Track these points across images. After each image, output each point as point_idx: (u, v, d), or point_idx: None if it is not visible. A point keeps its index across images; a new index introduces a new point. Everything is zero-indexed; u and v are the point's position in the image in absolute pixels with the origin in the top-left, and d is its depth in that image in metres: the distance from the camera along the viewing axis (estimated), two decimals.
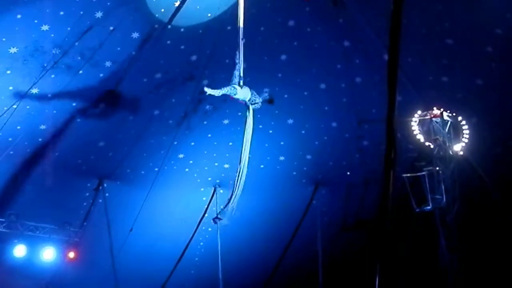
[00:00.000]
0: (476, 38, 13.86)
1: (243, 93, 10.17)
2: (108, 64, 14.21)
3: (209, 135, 16.32)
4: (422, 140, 14.88)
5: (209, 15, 14.17)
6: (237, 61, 10.11)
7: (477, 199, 14.90)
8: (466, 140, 14.86)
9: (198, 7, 13.90)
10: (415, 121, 14.90)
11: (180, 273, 17.34)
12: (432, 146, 14.80)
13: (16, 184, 15.18)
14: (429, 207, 14.28)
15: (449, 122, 14.78)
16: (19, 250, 15.56)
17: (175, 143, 16.18)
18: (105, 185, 16.58)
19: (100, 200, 16.61)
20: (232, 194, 10.19)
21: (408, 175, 14.47)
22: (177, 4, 13.72)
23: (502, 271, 14.73)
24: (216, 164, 16.68)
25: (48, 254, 16.02)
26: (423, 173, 14.51)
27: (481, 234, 14.99)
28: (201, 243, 17.60)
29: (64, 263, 16.27)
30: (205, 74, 15.16)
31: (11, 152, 14.65)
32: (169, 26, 13.99)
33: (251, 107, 10.26)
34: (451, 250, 14.06)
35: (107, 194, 16.61)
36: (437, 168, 14.54)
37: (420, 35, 14.00)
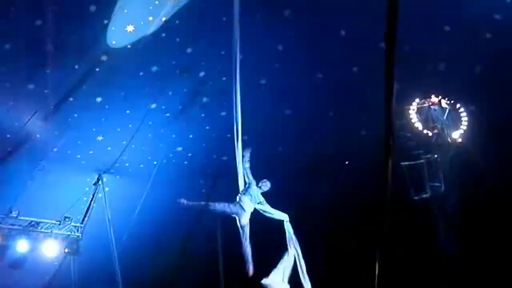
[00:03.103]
0: (474, 24, 13.81)
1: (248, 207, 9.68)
2: (103, 58, 14.17)
3: (207, 128, 16.29)
4: (420, 128, 14.86)
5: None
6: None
7: (476, 186, 14.90)
8: (465, 128, 14.84)
9: None
10: (413, 109, 14.88)
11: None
12: (430, 134, 14.79)
13: (16, 180, 15.18)
14: (427, 195, 14.30)
15: (447, 110, 14.76)
16: (22, 246, 15.58)
17: (173, 136, 16.17)
18: (104, 179, 16.58)
19: (100, 195, 16.61)
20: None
21: (406, 163, 14.47)
22: None
23: (501, 258, 14.75)
24: (215, 156, 16.66)
25: (51, 249, 16.04)
26: (422, 161, 14.52)
27: (480, 221, 14.99)
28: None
29: (66, 258, 16.29)
30: (202, 66, 15.12)
31: (9, 149, 14.64)
32: (164, 19, 13.94)
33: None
34: (449, 238, 14.07)
35: (107, 188, 16.60)
36: (436, 156, 14.54)
37: (418, 22, 13.94)
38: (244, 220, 9.51)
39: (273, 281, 9.27)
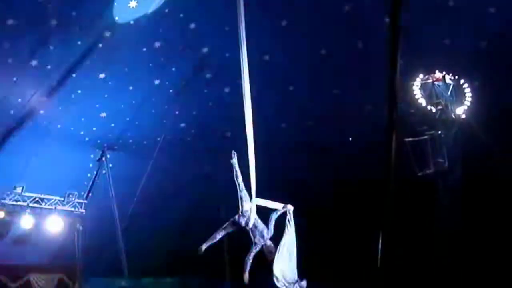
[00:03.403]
0: None
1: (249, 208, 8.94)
2: (106, 34, 14.11)
3: (210, 104, 16.28)
4: (424, 104, 14.81)
5: None
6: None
7: (479, 162, 14.91)
8: (469, 103, 14.80)
9: None
10: (417, 85, 14.81)
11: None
12: (434, 110, 14.75)
13: (20, 156, 15.22)
14: (431, 171, 14.31)
15: (451, 85, 14.71)
16: (26, 222, 15.66)
17: (176, 112, 16.16)
18: (108, 155, 16.61)
19: (104, 171, 16.66)
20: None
21: (410, 139, 14.46)
22: None
23: (503, 233, 14.82)
24: (218, 133, 16.67)
25: (55, 225, 16.12)
26: (425, 137, 14.51)
27: (483, 197, 15.03)
28: None
29: (70, 234, 16.39)
30: (205, 42, 15.05)
31: (13, 125, 14.67)
32: None
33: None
34: (452, 214, 14.12)
35: (110, 165, 16.64)
36: (439, 132, 14.53)
37: None
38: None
39: (280, 268, 9.00)
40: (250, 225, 9.01)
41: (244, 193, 9.00)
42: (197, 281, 19.27)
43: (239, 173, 9.04)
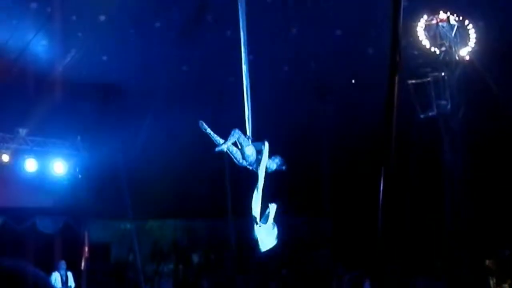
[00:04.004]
0: None
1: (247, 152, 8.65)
2: None
3: (212, 47, 16.13)
4: (427, 45, 14.67)
5: None
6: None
7: (483, 104, 14.88)
8: (473, 45, 14.66)
9: None
10: (421, 26, 14.64)
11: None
12: (438, 52, 14.63)
13: (22, 101, 15.21)
14: (434, 113, 14.31)
15: (455, 27, 14.53)
16: (30, 165, 15.74)
17: (178, 55, 16.04)
18: (110, 99, 16.59)
19: (107, 115, 16.67)
20: None
21: (413, 81, 14.39)
22: None
23: (504, 175, 14.93)
24: (220, 76, 16.58)
25: (59, 168, 16.22)
26: (429, 79, 14.44)
27: (486, 139, 15.07)
28: None
29: (75, 177, 16.51)
30: None
31: (14, 69, 14.61)
32: None
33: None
34: (455, 156, 14.19)
35: (113, 109, 16.64)
36: (443, 74, 14.45)
37: None
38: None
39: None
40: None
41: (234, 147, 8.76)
42: (201, 223, 19.58)
43: (217, 137, 8.82)
